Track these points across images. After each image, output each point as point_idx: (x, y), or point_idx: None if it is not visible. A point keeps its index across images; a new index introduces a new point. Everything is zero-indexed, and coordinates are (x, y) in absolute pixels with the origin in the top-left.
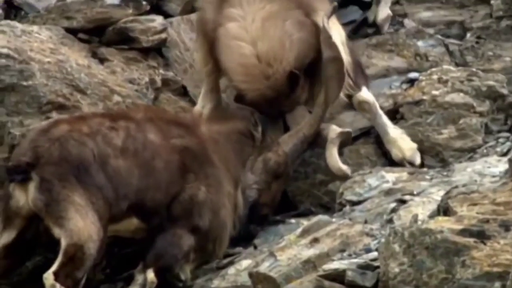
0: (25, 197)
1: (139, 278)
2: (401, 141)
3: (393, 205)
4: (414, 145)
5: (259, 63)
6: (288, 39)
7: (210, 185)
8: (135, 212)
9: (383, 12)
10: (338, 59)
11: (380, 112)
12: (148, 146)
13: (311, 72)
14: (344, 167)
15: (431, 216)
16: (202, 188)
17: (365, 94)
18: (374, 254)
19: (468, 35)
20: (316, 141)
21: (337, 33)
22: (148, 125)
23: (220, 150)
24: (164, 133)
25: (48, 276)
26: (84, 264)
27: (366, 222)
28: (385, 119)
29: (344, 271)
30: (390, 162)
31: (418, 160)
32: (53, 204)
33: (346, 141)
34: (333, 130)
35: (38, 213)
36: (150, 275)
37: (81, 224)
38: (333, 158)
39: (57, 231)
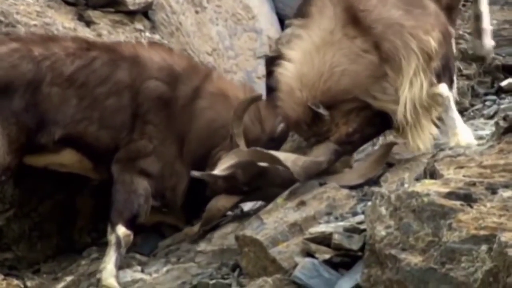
0: None
1: (112, 239)
2: (464, 136)
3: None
4: (475, 142)
5: (291, 84)
6: (329, 71)
7: (164, 138)
8: (73, 143)
9: (489, 43)
10: None
11: (453, 107)
12: (108, 83)
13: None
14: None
15: (418, 179)
16: (154, 141)
17: (442, 88)
18: (361, 217)
19: None
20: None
21: None
22: (128, 63)
23: (196, 115)
24: (141, 75)
25: None
26: None
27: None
28: (456, 114)
29: (330, 234)
30: None
31: None
32: None
33: None
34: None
35: None
36: (121, 230)
37: None
38: None
39: None
